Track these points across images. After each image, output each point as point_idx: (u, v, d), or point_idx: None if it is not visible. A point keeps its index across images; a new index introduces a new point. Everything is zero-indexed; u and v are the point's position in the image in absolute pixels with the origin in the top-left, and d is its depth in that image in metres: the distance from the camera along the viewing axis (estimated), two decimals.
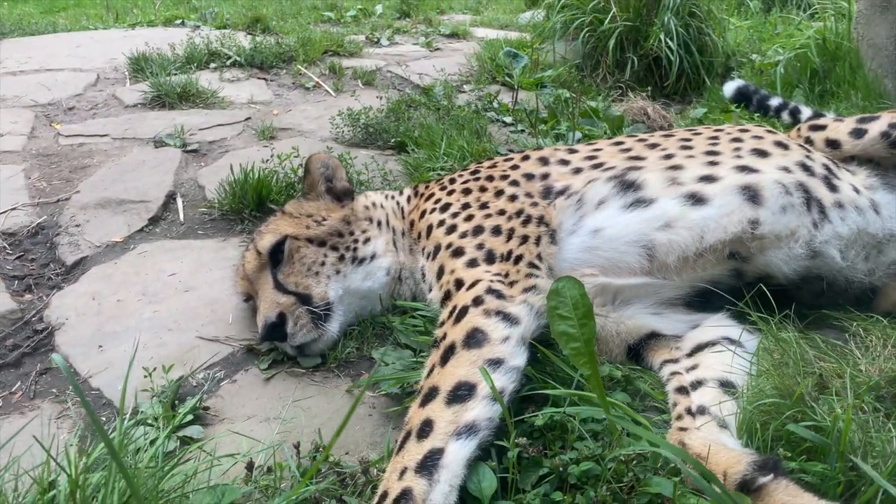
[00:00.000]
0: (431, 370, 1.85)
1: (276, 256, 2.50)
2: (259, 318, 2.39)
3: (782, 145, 2.52)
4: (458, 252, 2.28)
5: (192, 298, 2.79)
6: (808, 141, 2.69)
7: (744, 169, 2.34)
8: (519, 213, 2.35)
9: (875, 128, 2.56)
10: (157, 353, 2.46)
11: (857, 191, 2.40)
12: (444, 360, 1.84)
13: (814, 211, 2.28)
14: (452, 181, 2.65)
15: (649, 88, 5.33)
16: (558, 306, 1.73)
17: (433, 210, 2.53)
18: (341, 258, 2.54)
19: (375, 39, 7.41)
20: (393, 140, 4.24)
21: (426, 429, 1.64)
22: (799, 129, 2.79)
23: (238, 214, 3.37)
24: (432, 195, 2.62)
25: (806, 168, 2.39)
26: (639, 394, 2.05)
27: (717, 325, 2.19)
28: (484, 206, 2.42)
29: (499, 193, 2.45)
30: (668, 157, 2.48)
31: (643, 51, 5.57)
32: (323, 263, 2.50)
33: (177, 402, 2.20)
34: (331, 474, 1.77)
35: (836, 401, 1.72)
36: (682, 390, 1.95)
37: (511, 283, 2.11)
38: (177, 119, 4.64)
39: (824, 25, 5.56)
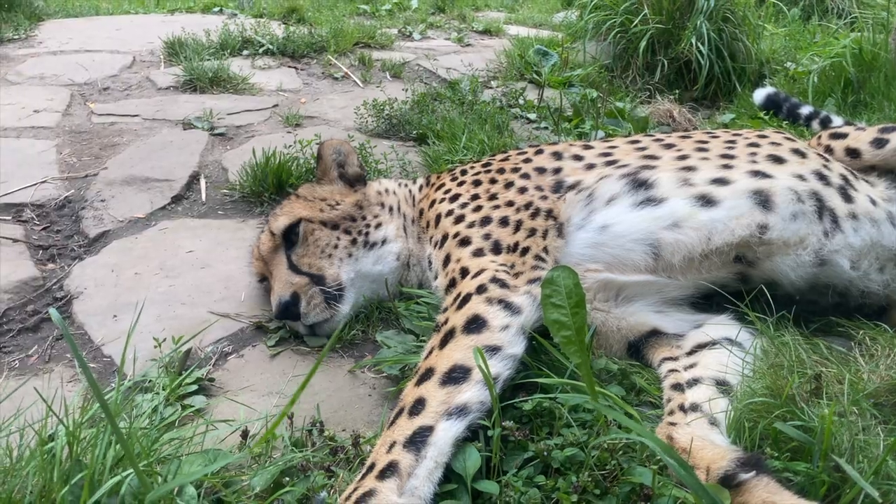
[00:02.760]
0: (430, 352, 1.89)
1: (290, 238, 2.56)
2: (273, 297, 2.45)
3: (800, 153, 2.49)
4: (464, 241, 2.31)
5: (207, 275, 2.86)
6: (828, 149, 2.66)
7: (757, 174, 2.32)
8: (528, 205, 2.37)
9: None
10: (170, 325, 2.52)
11: (873, 202, 2.36)
12: (444, 343, 1.88)
13: (826, 220, 2.25)
14: (464, 172, 2.68)
15: (677, 92, 5.29)
16: (552, 295, 1.75)
17: (443, 200, 2.56)
18: (353, 241, 2.58)
19: (408, 33, 7.46)
20: (415, 132, 4.28)
21: (418, 407, 1.68)
22: (819, 137, 2.75)
23: (258, 197, 3.44)
24: (443, 185, 2.66)
25: (822, 177, 2.36)
26: (634, 388, 2.06)
27: (720, 325, 2.19)
28: (493, 197, 2.44)
29: (508, 185, 2.47)
30: (683, 157, 2.47)
31: (674, 54, 5.52)
32: (336, 246, 2.56)
33: (183, 372, 2.27)
34: (324, 447, 1.82)
35: (827, 405, 1.71)
36: (677, 387, 1.96)
37: (516, 274, 2.14)
38: (206, 103, 4.73)
39: (861, 35, 5.47)
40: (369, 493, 1.46)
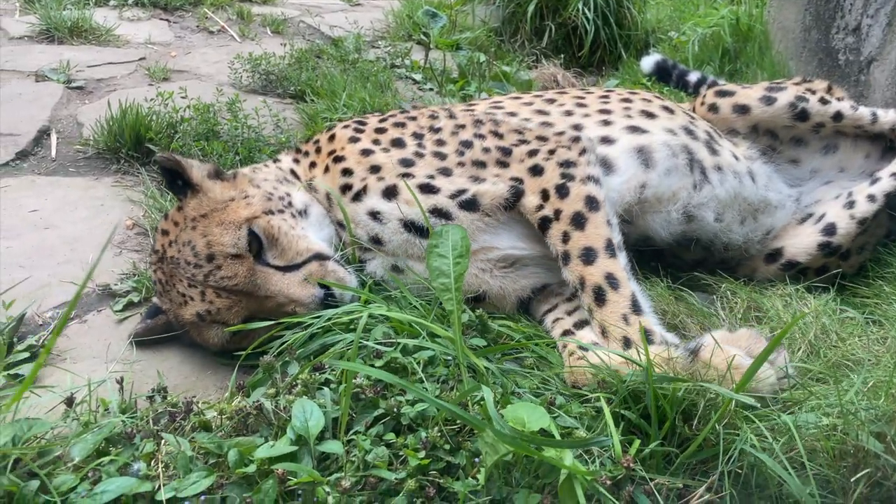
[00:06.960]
0: (566, 236, 2.01)
1: (253, 248, 2.05)
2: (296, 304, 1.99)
3: (668, 109, 2.52)
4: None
5: (51, 236, 2.62)
6: (713, 107, 2.62)
7: (635, 130, 2.34)
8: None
9: (784, 98, 2.53)
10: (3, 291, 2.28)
11: (736, 158, 2.44)
12: (579, 224, 2.01)
13: (696, 172, 2.31)
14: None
15: (562, 57, 5.30)
16: (438, 245, 1.79)
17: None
18: (293, 216, 2.22)
19: None
20: (293, 89, 4.08)
21: (611, 280, 1.92)
22: (704, 96, 2.71)
23: (114, 153, 3.18)
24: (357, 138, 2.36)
25: (690, 132, 2.40)
26: (497, 340, 2.01)
27: None
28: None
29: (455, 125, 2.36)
30: (568, 113, 2.46)
31: (562, 19, 5.52)
32: (293, 227, 2.17)
33: (16, 339, 2.06)
34: (164, 414, 1.68)
35: None
36: (567, 333, 1.99)
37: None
38: (65, 54, 4.34)
39: (739, 8, 5.66)
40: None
